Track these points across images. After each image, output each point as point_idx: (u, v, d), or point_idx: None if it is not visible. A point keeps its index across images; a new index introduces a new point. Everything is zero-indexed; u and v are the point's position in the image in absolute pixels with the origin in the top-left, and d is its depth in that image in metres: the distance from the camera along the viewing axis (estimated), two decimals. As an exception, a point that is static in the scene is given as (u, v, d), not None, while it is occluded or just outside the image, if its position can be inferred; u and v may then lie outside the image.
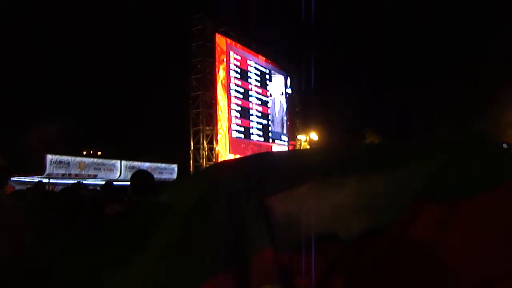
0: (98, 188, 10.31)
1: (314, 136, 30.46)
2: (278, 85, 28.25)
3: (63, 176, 18.14)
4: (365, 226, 1.34)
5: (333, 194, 1.42)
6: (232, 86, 23.04)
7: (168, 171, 22.10)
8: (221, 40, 22.69)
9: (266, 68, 26.80)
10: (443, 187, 1.37)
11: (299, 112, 31.08)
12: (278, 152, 2.96)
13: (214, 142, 21.98)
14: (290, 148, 28.69)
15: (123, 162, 20.05)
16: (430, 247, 1.29)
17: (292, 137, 29.65)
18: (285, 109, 29.08)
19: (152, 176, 3.28)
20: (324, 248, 1.33)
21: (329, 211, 1.39)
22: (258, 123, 25.21)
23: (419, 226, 1.32)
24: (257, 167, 1.62)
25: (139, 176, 3.28)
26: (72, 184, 5.88)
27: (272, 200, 1.43)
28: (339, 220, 1.37)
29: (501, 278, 1.21)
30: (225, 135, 22.34)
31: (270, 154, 2.38)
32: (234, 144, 22.84)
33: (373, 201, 1.39)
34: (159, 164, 21.89)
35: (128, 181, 3.88)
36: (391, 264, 1.30)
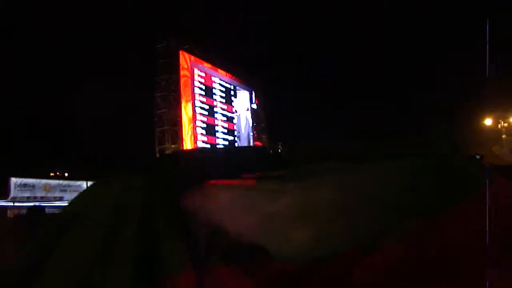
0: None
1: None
2: (243, 101, 28.46)
3: (28, 199, 17.90)
4: (313, 246, 1.17)
5: (266, 202, 1.23)
6: (197, 103, 23.18)
7: (135, 190, 21.96)
8: (185, 57, 22.81)
9: (230, 84, 27.05)
10: (412, 204, 1.27)
11: (265, 127, 31.35)
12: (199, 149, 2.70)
13: (181, 160, 21.94)
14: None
15: (90, 183, 19.91)
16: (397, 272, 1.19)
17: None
18: (251, 125, 29.30)
19: None
20: (255, 265, 1.21)
21: (261, 222, 1.21)
22: (224, 139, 25.32)
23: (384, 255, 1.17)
24: (171, 168, 1.47)
25: None
26: (28, 208, 6.01)
27: (188, 199, 1.29)
28: (274, 234, 1.20)
29: None
30: (191, 152, 22.38)
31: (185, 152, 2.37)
32: (200, 160, 22.87)
33: (322, 215, 1.19)
34: (126, 184, 21.78)
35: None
36: None
